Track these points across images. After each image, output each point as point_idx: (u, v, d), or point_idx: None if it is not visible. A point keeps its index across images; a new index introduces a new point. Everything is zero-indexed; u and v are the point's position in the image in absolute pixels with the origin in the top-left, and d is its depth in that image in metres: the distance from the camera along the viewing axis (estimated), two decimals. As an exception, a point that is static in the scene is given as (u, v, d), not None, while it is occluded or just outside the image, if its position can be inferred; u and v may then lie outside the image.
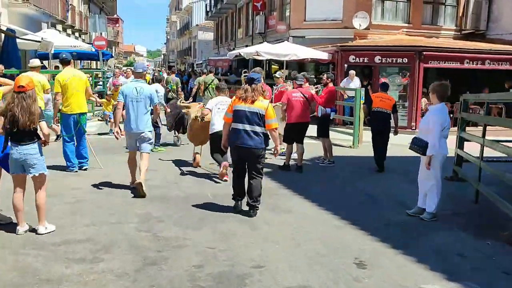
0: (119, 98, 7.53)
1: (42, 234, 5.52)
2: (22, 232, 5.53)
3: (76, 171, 8.86)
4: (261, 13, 26.87)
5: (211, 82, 15.44)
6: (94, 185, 7.83)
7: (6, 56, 15.89)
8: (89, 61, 34.82)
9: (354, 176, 9.49)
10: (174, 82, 16.58)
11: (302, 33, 21.71)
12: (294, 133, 9.58)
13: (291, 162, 9.89)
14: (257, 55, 17.55)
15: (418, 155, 6.67)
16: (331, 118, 10.57)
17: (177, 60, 74.89)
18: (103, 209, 6.53)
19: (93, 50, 19.88)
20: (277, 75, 11.93)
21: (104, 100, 14.18)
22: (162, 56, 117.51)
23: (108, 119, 14.01)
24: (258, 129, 6.35)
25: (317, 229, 6.02)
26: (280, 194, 7.77)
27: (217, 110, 8.37)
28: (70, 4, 29.71)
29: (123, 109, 7.53)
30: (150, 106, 7.54)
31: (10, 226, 5.63)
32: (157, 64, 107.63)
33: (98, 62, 22.32)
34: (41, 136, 5.58)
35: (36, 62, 10.64)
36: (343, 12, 20.84)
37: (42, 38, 15.07)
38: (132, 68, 11.33)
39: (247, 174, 6.57)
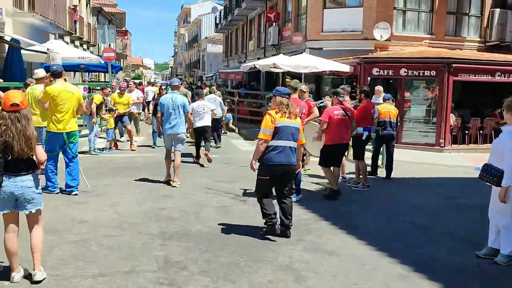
0: (159, 108, 9.26)
1: (39, 281, 4.50)
2: (18, 279, 4.52)
3: (57, 193, 7.97)
4: (274, 24, 25.94)
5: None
6: (101, 217, 6.77)
7: (10, 68, 14.99)
8: (97, 74, 34.01)
9: (397, 203, 8.39)
10: (183, 93, 16.20)
11: (319, 44, 20.71)
12: (334, 156, 8.53)
13: (317, 187, 8.84)
14: (274, 67, 16.55)
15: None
16: (363, 138, 9.50)
17: (185, 73, 74.28)
18: (114, 251, 5.43)
19: (102, 62, 18.93)
20: (303, 88, 10.91)
21: (109, 115, 13.11)
22: (170, 69, 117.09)
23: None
24: (295, 144, 6.10)
25: (377, 279, 4.92)
26: (319, 228, 6.65)
27: (197, 111, 11.32)
28: (80, 16, 28.93)
29: (162, 116, 9.11)
30: (183, 112, 9.16)
31: (2, 273, 4.58)
32: (164, 77, 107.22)
33: (106, 74, 21.41)
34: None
35: (41, 73, 9.62)
36: (363, 22, 19.83)
37: (48, 49, 14.12)
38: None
39: (276, 194, 6.24)
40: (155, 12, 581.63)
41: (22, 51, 15.38)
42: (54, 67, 8.32)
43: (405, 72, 16.00)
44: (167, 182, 9.13)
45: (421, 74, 16.07)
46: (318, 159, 8.79)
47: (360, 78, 16.75)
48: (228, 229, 6.39)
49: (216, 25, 44.79)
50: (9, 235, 4.54)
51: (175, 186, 8.85)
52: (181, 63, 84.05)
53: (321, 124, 8.50)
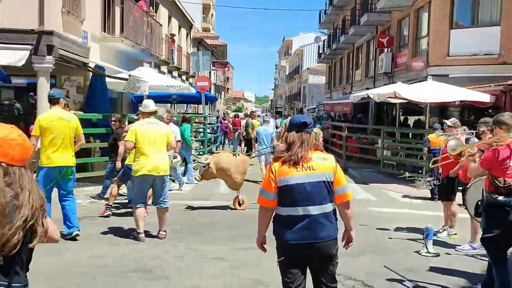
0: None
1: None
2: None
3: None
4: (387, 50, 23.03)
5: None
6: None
7: (93, 97, 13.50)
8: (196, 106, 32.83)
9: None
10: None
11: (445, 70, 17.44)
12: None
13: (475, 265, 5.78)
14: (394, 96, 13.68)
15: None
16: None
17: (285, 105, 72.84)
18: None
19: (195, 92, 17.12)
20: (448, 122, 8.04)
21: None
22: (270, 101, 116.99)
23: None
24: (328, 207, 3.60)
25: None
26: None
27: None
28: (178, 45, 27.93)
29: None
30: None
31: None
32: (264, 109, 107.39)
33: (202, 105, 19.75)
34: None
35: (150, 105, 7.44)
36: (501, 44, 16.38)
37: (129, 76, 12.42)
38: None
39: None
40: (256, 46, 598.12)
41: (109, 79, 13.90)
42: (52, 92, 7.20)
43: None
44: None
45: None
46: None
47: (505, 110, 13.31)
48: None
49: (319, 55, 42.71)
50: None
51: None
52: (281, 95, 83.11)
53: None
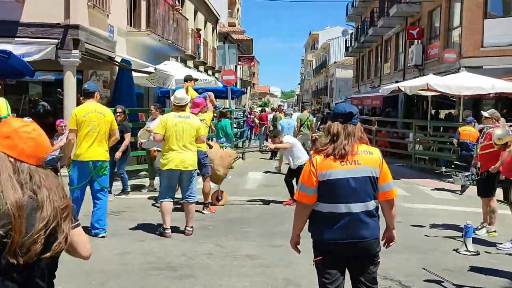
0: None
1: None
2: None
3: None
4: (417, 42, 22.45)
5: (307, 119, 15.44)
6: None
7: (119, 93, 13.42)
8: (223, 100, 32.65)
9: None
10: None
11: (478, 62, 16.87)
12: None
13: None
14: (427, 89, 13.22)
15: None
16: None
17: (312, 100, 72.26)
18: None
19: (221, 86, 16.91)
20: (486, 114, 7.64)
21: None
22: (296, 96, 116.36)
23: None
24: (371, 205, 3.30)
25: None
26: None
27: None
28: (204, 39, 27.76)
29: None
30: None
31: None
32: (290, 104, 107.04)
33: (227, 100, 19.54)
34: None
35: (183, 97, 7.15)
36: (539, 33, 15.75)
37: (155, 69, 12.28)
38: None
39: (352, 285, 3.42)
40: (282, 41, 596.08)
41: (135, 74, 13.81)
42: (86, 85, 6.91)
43: None
44: None
45: None
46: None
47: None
48: None
49: (346, 48, 42.11)
50: None
51: None
52: (308, 90, 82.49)
53: None
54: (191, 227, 7.06)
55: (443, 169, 12.47)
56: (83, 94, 6.91)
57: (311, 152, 3.43)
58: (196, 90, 17.38)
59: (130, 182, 10.36)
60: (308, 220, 3.39)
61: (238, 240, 6.79)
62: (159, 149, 8.72)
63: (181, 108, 7.10)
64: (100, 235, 6.63)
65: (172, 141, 6.79)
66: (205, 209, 8.44)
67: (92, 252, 2.29)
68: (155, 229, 7.15)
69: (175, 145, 6.79)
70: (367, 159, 3.26)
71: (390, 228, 3.49)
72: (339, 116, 3.33)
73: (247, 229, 7.48)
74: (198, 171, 7.72)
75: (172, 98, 7.37)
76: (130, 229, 7.25)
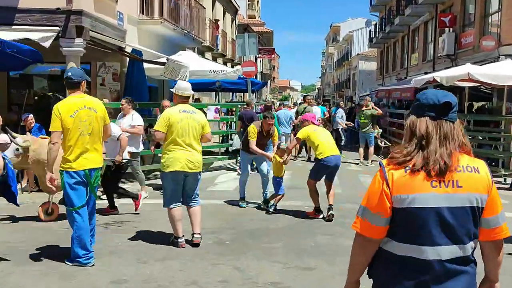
0: None
1: None
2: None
3: (93, 265, 5.21)
4: (449, 30, 20.99)
5: (303, 110, 14.78)
6: None
7: (130, 84, 12.36)
8: (242, 94, 31.52)
9: None
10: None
11: (520, 50, 15.47)
12: None
13: None
14: (468, 79, 11.89)
15: None
16: None
17: (334, 93, 70.70)
18: None
19: (239, 77, 15.72)
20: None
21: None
22: (317, 90, 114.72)
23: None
24: (469, 248, 2.07)
25: None
26: None
27: None
28: (222, 30, 26.63)
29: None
30: None
31: None
32: (311, 98, 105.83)
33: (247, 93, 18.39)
34: None
35: (186, 87, 6.18)
36: None
37: (168, 59, 11.18)
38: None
39: None
40: (303, 35, 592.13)
41: (148, 66, 12.72)
42: (70, 73, 5.32)
43: None
44: None
45: None
46: None
47: None
48: None
49: (370, 39, 40.54)
50: None
51: None
52: (329, 83, 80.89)
53: None
54: (199, 233, 6.12)
55: (502, 172, 11.23)
56: (66, 85, 5.42)
57: (383, 162, 2.18)
58: (213, 83, 16.49)
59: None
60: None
61: (260, 260, 5.64)
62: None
63: (185, 100, 6.14)
64: (91, 265, 5.24)
65: (175, 140, 5.84)
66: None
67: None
68: (161, 243, 6.08)
69: (180, 144, 5.85)
70: (471, 179, 2.07)
71: (493, 281, 2.27)
72: (429, 108, 2.13)
73: (271, 244, 6.34)
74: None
75: (174, 88, 6.22)
76: (130, 245, 6.15)
